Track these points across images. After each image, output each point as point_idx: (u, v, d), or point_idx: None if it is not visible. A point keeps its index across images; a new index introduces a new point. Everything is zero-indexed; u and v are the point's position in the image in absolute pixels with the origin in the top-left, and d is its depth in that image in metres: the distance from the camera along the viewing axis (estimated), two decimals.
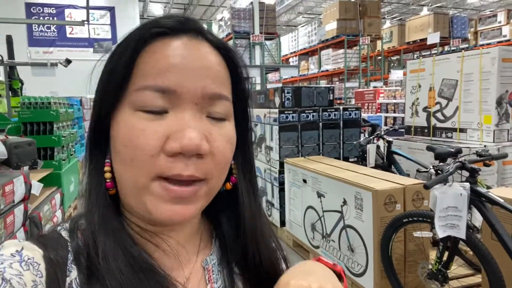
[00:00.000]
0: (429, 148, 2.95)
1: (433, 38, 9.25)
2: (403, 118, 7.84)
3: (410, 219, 2.04)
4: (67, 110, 4.35)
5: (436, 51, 15.46)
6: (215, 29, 15.39)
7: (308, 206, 3.13)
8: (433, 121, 3.63)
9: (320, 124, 3.73)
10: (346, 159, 3.82)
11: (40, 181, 2.85)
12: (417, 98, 3.80)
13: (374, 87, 12.21)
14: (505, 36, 13.31)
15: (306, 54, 16.08)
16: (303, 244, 3.27)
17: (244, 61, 0.48)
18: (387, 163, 3.41)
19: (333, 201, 2.75)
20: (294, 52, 16.33)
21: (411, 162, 3.36)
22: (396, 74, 9.65)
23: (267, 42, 13.69)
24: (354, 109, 3.84)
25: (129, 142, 0.40)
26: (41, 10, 13.54)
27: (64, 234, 0.44)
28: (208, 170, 0.42)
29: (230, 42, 13.48)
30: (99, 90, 0.44)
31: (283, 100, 3.68)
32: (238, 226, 0.50)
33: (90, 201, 0.44)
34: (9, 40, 5.14)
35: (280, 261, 0.54)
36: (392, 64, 18.19)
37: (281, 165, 3.65)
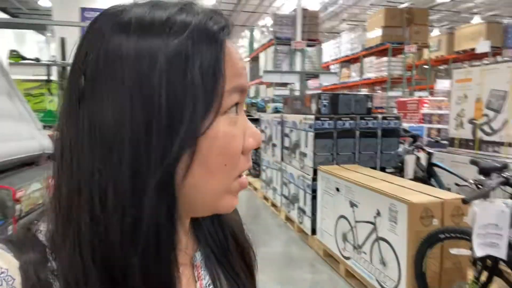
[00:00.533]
0: (473, 162, 2.79)
1: (483, 47, 8.77)
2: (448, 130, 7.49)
3: (447, 235, 1.93)
4: None
5: (487, 62, 14.64)
6: (257, 35, 15.54)
7: (340, 216, 3.06)
8: (479, 134, 3.44)
9: (357, 132, 3.64)
10: (383, 169, 3.69)
11: None
12: (463, 109, 3.62)
13: (419, 97, 11.74)
14: None
15: (348, 61, 15.80)
16: (334, 254, 3.19)
17: None
18: (427, 175, 3.26)
19: (366, 212, 2.67)
20: (336, 59, 16.10)
21: (453, 175, 3.19)
22: (442, 84, 9.24)
23: (309, 49, 13.62)
24: (394, 118, 3.71)
25: (225, 148, 0.38)
26: (95, 15, 14.30)
27: (42, 237, 0.36)
28: None
29: (271, 48, 13.55)
30: (189, 99, 0.35)
31: (320, 106, 3.64)
32: (213, 219, 0.50)
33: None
34: (63, 42, 5.48)
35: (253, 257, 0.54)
36: (439, 74, 17.43)
37: (315, 172, 3.59)
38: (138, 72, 0.34)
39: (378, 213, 2.52)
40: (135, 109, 0.33)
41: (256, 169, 6.61)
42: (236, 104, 0.40)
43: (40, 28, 4.98)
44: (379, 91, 15.34)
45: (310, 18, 13.58)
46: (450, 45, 15.15)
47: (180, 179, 0.36)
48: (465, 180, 2.87)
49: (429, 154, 3.26)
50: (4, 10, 17.41)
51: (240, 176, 0.41)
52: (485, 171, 2.57)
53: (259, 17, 20.47)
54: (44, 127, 2.92)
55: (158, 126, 0.34)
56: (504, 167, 2.50)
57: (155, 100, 0.33)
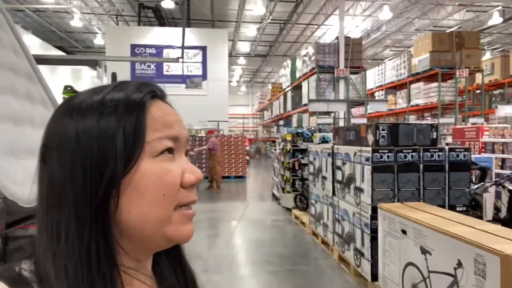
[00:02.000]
0: None
1: None
2: None
3: None
4: None
5: None
6: (298, 64, 15.53)
7: (408, 263, 2.68)
8: None
9: (421, 165, 3.28)
10: (452, 207, 3.28)
11: None
12: None
13: (473, 123, 10.96)
14: None
15: (394, 88, 15.27)
16: None
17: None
18: (509, 216, 2.82)
19: (443, 261, 2.29)
20: (381, 85, 15.64)
21: None
22: (503, 110, 8.54)
23: (352, 76, 13.33)
24: (463, 150, 3.32)
25: (161, 181, 0.46)
26: (144, 50, 15.04)
27: (27, 275, 0.44)
28: None
29: (314, 77, 13.42)
30: (109, 153, 0.45)
31: (377, 137, 3.34)
32: (175, 268, 0.57)
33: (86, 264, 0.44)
34: (114, 77, 5.64)
35: None
36: (494, 99, 16.38)
37: (374, 210, 3.25)
38: (78, 143, 0.45)
39: (460, 264, 2.14)
40: (75, 168, 0.44)
41: (303, 202, 6.29)
42: (170, 149, 0.48)
43: (93, 64, 5.17)
44: (428, 118, 14.61)
45: (353, 45, 13.38)
46: (505, 68, 14.25)
47: (124, 215, 0.46)
48: None
49: (511, 192, 2.83)
50: (62, 49, 18.80)
51: (182, 208, 0.49)
52: None
53: (301, 47, 20.59)
54: None
55: (91, 177, 0.44)
56: None
57: (89, 160, 0.44)
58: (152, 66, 15.27)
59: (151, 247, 0.50)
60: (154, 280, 0.54)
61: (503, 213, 2.95)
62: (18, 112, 1.73)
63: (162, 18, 17.09)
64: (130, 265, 0.48)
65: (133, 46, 14.99)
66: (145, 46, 15.16)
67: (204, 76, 15.59)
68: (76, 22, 15.81)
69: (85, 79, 18.34)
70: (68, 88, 5.21)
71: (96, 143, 0.45)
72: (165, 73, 15.31)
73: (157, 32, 15.67)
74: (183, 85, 15.24)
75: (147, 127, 0.47)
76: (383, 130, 3.34)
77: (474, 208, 3.35)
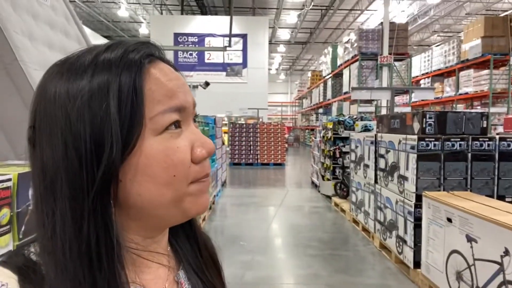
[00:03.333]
0: None
1: None
2: None
3: None
4: (204, 128, 4.72)
5: None
6: (340, 51, 15.23)
7: (452, 250, 2.69)
8: None
9: (469, 155, 3.23)
10: (501, 198, 3.21)
11: None
12: None
13: None
14: None
15: (441, 75, 14.61)
16: None
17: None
18: None
19: (490, 249, 2.29)
20: (427, 73, 15.02)
21: None
22: None
23: (396, 63, 12.93)
24: None
25: (170, 161, 0.42)
26: (186, 39, 15.39)
27: (35, 258, 0.41)
28: None
29: (356, 64, 13.15)
30: (105, 135, 0.39)
31: (424, 125, 3.31)
32: (188, 237, 0.54)
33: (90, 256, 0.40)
34: None
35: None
36: None
37: (418, 198, 3.25)
38: (67, 112, 0.39)
39: (507, 252, 2.14)
40: (68, 147, 0.39)
41: (344, 190, 6.31)
42: (176, 122, 0.43)
43: None
44: (478, 107, 13.90)
45: (398, 31, 12.95)
46: None
47: (134, 199, 0.42)
48: None
49: None
50: (109, 38, 19.64)
51: (197, 181, 0.45)
52: None
53: (342, 33, 20.15)
54: None
55: (86, 162, 0.39)
56: None
57: (81, 137, 0.39)
58: (194, 54, 15.60)
59: (167, 224, 0.48)
60: (172, 256, 0.52)
61: None
62: (55, 41, 1.94)
63: (204, 7, 17.35)
64: (144, 244, 0.46)
65: (176, 35, 15.37)
66: (187, 34, 15.49)
67: (244, 64, 15.73)
68: (123, 11, 16.43)
69: None
70: None
71: (89, 124, 0.39)
72: (206, 61, 15.59)
73: (199, 21, 15.94)
74: (224, 73, 15.49)
75: (147, 99, 0.41)
76: (430, 118, 3.31)
77: None
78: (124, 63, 0.41)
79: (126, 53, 0.42)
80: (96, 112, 0.39)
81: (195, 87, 5.57)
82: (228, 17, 15.45)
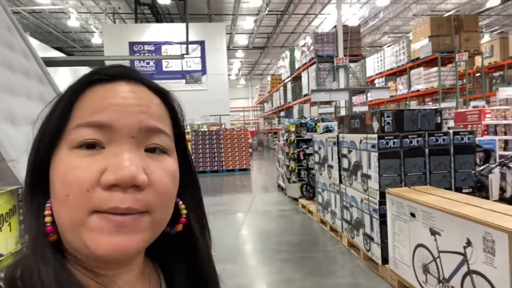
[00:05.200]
0: None
1: None
2: None
3: None
4: None
5: None
6: (297, 55, 15.52)
7: (418, 244, 2.76)
8: None
9: (427, 150, 3.35)
10: (458, 189, 3.35)
11: None
12: None
13: (474, 106, 10.99)
14: None
15: (394, 74, 15.27)
16: (412, 287, 2.88)
17: (181, 105, 0.50)
18: None
19: (453, 241, 2.37)
20: (380, 73, 15.64)
21: None
22: (505, 92, 8.57)
23: (352, 65, 13.34)
24: (467, 133, 3.39)
25: (65, 178, 0.40)
26: (142, 47, 15.03)
27: (2, 285, 0.40)
28: (148, 202, 0.41)
29: (313, 67, 13.42)
30: (39, 133, 0.44)
31: (383, 124, 3.40)
32: (189, 270, 0.50)
33: (28, 246, 0.41)
34: None
35: None
36: (495, 81, 16.36)
37: (382, 195, 3.33)
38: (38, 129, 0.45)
39: (469, 243, 2.22)
40: (31, 152, 0.44)
41: (310, 191, 6.37)
42: (91, 141, 0.41)
43: (100, 64, 5.19)
44: (429, 103, 14.63)
45: (351, 33, 13.37)
46: (504, 50, 14.23)
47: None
48: None
49: None
50: (60, 49, 18.80)
51: (102, 214, 0.39)
52: None
53: (298, 37, 20.54)
54: None
55: (29, 163, 0.44)
56: None
57: (33, 146, 0.44)
58: (151, 63, 15.27)
59: (88, 258, 0.42)
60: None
61: (508, 193, 3.02)
62: (15, 84, 1.80)
63: (158, 14, 17.04)
64: (95, 270, 0.42)
65: (132, 44, 14.98)
66: (143, 43, 15.14)
67: (203, 71, 15.60)
68: (73, 22, 15.80)
69: None
70: None
71: (38, 131, 0.44)
72: (164, 69, 15.31)
73: (154, 29, 15.64)
74: (183, 81, 15.27)
75: (75, 112, 0.42)
76: (388, 117, 3.41)
77: (479, 189, 3.42)
78: (79, 80, 0.44)
79: (91, 73, 0.45)
80: (41, 126, 0.44)
81: None
82: (184, 24, 15.31)
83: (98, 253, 0.39)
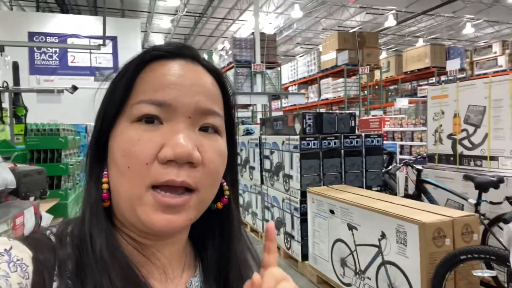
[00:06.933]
0: (467, 177, 2.80)
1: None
2: (410, 146, 7.76)
3: (469, 256, 1.85)
4: (74, 137, 4.18)
5: (433, 81, 15.66)
6: (215, 58, 15.51)
7: (336, 239, 2.92)
8: (460, 148, 3.49)
9: (342, 151, 3.58)
10: (369, 188, 3.64)
11: (47, 212, 2.65)
12: (441, 125, 3.68)
13: (374, 115, 12.19)
14: (501, 66, 13.52)
15: (306, 83, 16.20)
16: (331, 281, 3.03)
17: (233, 88, 0.52)
18: (417, 192, 3.23)
19: (368, 234, 2.55)
20: (294, 81, 16.45)
21: (441, 191, 3.19)
22: (401, 102, 9.64)
23: (268, 71, 13.79)
24: (376, 136, 3.70)
25: (126, 151, 0.42)
26: (44, 39, 13.58)
27: (53, 239, 0.44)
28: (199, 180, 0.44)
29: (232, 71, 13.55)
30: (101, 108, 0.47)
31: (304, 126, 3.54)
32: (221, 247, 0.52)
33: (84, 209, 0.45)
34: (16, 66, 5.03)
35: None
36: (390, 93, 18.35)
37: (303, 194, 3.46)
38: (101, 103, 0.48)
39: (383, 235, 2.41)
40: (95, 124, 0.48)
41: None
42: (151, 116, 0.43)
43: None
44: (336, 111, 15.80)
45: (268, 41, 13.81)
46: (399, 66, 16.07)
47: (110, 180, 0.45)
48: (461, 196, 2.86)
49: (418, 171, 3.25)
50: None
51: (161, 189, 0.42)
52: (483, 187, 2.57)
53: (216, 41, 20.57)
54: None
55: (96, 124, 0.47)
56: (500, 181, 2.51)
57: (97, 118, 0.48)
58: (55, 56, 13.87)
59: (139, 229, 0.45)
60: (190, 263, 0.52)
61: (411, 190, 3.37)
62: None
63: (64, 5, 15.63)
64: (140, 247, 0.46)
65: (32, 34, 13.43)
66: (45, 34, 13.67)
67: (115, 68, 14.49)
68: None
69: None
70: None
71: (101, 106, 0.47)
72: (70, 64, 14.03)
73: (59, 20, 14.25)
74: (92, 78, 14.16)
75: (136, 87, 0.45)
76: (309, 119, 3.56)
77: (386, 187, 3.77)
78: (139, 55, 0.46)
79: (151, 49, 0.47)
80: (103, 101, 0.47)
81: (60, 91, 4.91)
82: (93, 17, 14.22)
83: (149, 226, 0.43)
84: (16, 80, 4.91)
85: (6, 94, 4.63)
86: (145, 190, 0.42)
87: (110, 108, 0.46)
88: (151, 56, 0.46)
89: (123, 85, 0.45)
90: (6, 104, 4.71)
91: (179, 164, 0.42)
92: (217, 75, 0.49)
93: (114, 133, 0.45)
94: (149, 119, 0.43)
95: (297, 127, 3.59)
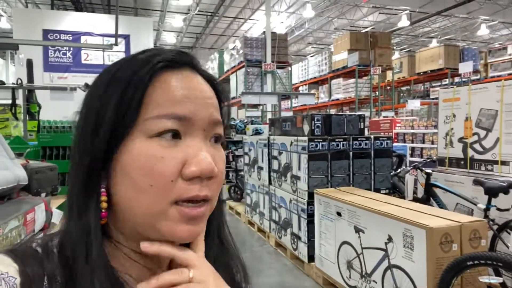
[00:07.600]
0: (476, 182, 2.76)
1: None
2: (421, 148, 7.67)
3: (476, 262, 1.83)
4: None
5: (446, 82, 15.46)
6: (226, 57, 15.55)
7: (343, 242, 2.91)
8: (471, 152, 3.45)
9: (351, 153, 3.56)
10: (377, 190, 3.62)
11: (57, 208, 2.69)
12: (452, 128, 3.64)
13: (385, 116, 12.08)
14: None
15: (316, 83, 16.14)
16: (336, 282, 3.03)
17: (226, 92, 0.52)
18: (426, 196, 3.21)
19: (375, 238, 2.54)
20: (304, 81, 16.40)
21: (450, 195, 3.16)
22: (413, 104, 9.53)
23: (279, 71, 13.77)
24: (386, 138, 3.68)
25: (148, 169, 0.41)
26: (58, 36, 13.79)
27: (39, 250, 0.43)
28: (214, 190, 0.45)
29: (242, 70, 13.56)
30: (104, 123, 0.43)
31: (313, 127, 3.54)
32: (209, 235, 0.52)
33: (74, 225, 0.43)
34: (30, 64, 5.12)
35: (238, 273, 0.59)
36: (402, 94, 18.17)
37: (310, 196, 3.46)
38: (87, 108, 0.45)
39: (390, 239, 2.40)
40: (83, 132, 0.45)
41: (238, 193, 6.39)
42: (174, 131, 0.42)
43: (14, 48, 4.62)
44: (347, 112, 15.70)
45: (279, 41, 13.79)
46: (411, 67, 15.88)
47: (115, 196, 0.44)
48: (470, 201, 2.83)
49: (427, 174, 3.22)
50: None
51: (182, 204, 0.42)
52: (492, 192, 2.54)
53: (227, 40, 20.61)
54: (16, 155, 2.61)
55: (85, 145, 0.44)
56: (510, 186, 2.48)
57: (88, 127, 0.44)
58: (68, 54, 14.06)
59: (148, 237, 0.45)
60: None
61: (419, 194, 3.34)
62: None
63: (78, 3, 15.82)
64: (139, 257, 0.46)
65: (46, 32, 13.64)
66: (59, 32, 13.88)
67: None
68: None
69: None
70: None
71: (94, 113, 0.44)
72: (83, 62, 14.21)
73: (73, 17, 14.44)
74: None
75: (148, 100, 0.42)
76: (318, 120, 3.55)
77: (395, 190, 3.74)
78: (145, 64, 0.44)
79: (152, 56, 0.45)
80: (106, 96, 0.43)
81: (73, 89, 4.98)
82: (107, 16, 14.38)
83: (172, 238, 0.43)
84: (30, 77, 5.01)
85: (20, 91, 4.72)
86: (169, 206, 0.42)
87: (118, 122, 0.43)
88: (159, 68, 0.45)
89: (135, 99, 0.42)
90: (20, 101, 4.80)
91: (201, 179, 0.43)
92: (212, 82, 0.49)
93: (125, 149, 0.42)
94: (171, 134, 0.42)
95: (306, 128, 3.58)
